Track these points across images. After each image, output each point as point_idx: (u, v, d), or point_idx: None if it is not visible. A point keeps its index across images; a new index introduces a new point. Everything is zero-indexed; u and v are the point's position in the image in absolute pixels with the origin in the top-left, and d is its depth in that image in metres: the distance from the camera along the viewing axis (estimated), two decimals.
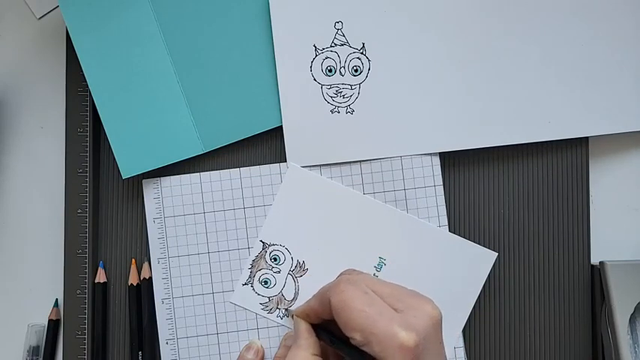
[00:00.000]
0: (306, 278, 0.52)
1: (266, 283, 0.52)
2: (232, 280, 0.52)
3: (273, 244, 0.52)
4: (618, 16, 0.51)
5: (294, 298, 0.52)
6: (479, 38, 0.51)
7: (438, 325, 0.44)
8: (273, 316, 0.52)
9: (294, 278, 0.52)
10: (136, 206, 0.53)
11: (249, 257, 0.52)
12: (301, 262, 0.52)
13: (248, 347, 0.52)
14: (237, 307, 0.52)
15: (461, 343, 0.52)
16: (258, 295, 0.52)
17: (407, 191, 0.52)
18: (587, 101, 0.51)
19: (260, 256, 0.52)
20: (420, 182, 0.52)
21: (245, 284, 0.52)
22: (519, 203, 0.53)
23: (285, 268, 0.52)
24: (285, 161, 0.52)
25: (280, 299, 0.52)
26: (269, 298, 0.52)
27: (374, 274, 0.51)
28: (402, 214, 0.51)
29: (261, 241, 0.52)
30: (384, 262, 0.51)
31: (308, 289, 0.51)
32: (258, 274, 0.52)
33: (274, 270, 0.52)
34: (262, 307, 0.52)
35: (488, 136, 0.52)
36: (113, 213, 0.54)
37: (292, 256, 0.52)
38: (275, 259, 0.52)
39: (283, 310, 0.52)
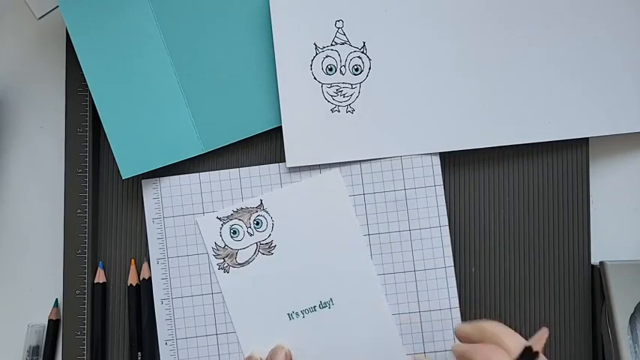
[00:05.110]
0: (263, 260, 0.52)
1: (235, 233, 0.52)
2: None
3: (268, 212, 0.52)
4: (618, 16, 0.51)
5: (242, 265, 0.52)
6: (479, 38, 0.52)
7: None
8: (214, 264, 0.52)
9: (257, 250, 0.52)
10: (135, 206, 0.53)
11: (242, 202, 0.52)
12: (273, 245, 0.52)
13: (274, 352, 0.50)
14: None
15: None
16: (220, 236, 0.52)
17: (407, 191, 0.52)
18: (587, 101, 0.51)
19: (249, 210, 0.52)
20: (420, 182, 0.52)
21: (219, 220, 0.52)
22: (519, 203, 0.53)
23: (258, 236, 0.52)
24: (285, 161, 0.52)
25: (231, 254, 0.52)
26: (224, 246, 0.52)
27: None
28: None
29: (260, 200, 0.52)
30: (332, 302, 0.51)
31: (244, 280, 0.51)
32: (235, 221, 0.52)
33: (249, 231, 0.52)
34: (215, 248, 0.52)
35: (488, 136, 0.52)
36: (113, 213, 0.54)
37: (272, 233, 0.52)
38: (257, 223, 0.52)
39: (224, 265, 0.52)
